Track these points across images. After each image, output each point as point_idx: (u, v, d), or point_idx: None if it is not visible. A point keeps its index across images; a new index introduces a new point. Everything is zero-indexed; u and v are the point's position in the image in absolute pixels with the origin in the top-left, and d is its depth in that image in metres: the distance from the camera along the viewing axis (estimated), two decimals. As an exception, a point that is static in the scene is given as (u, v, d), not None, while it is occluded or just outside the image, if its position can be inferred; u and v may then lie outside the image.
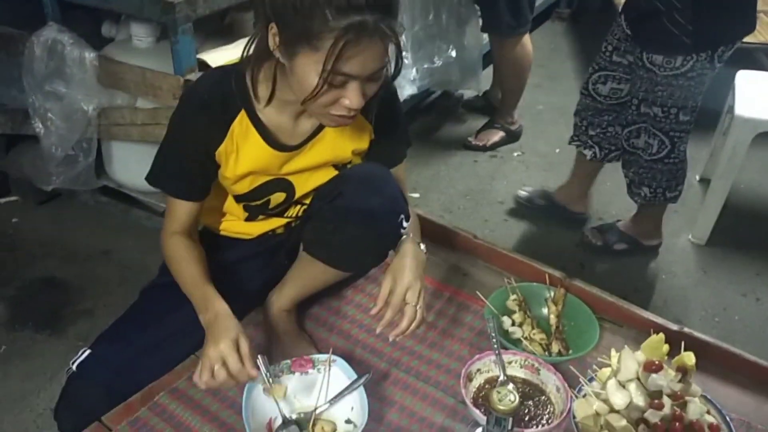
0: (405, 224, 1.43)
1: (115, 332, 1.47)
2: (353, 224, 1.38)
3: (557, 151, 3.44)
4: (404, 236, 1.43)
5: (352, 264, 1.53)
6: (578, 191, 2.89)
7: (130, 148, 2.47)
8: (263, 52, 1.27)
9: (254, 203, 1.49)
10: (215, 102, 1.35)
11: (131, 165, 2.49)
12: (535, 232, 2.87)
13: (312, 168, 1.47)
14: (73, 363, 1.41)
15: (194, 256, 1.43)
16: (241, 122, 1.37)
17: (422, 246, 1.43)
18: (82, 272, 2.45)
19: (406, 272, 1.34)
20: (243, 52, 1.32)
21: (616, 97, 2.52)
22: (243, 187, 1.45)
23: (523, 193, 3.00)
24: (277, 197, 1.49)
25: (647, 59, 2.29)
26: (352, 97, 1.22)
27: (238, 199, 1.49)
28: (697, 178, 3.23)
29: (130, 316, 1.51)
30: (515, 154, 3.43)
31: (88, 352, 1.42)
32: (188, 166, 1.40)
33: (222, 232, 1.59)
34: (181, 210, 1.43)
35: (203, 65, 2.19)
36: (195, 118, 1.36)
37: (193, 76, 2.15)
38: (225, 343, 1.23)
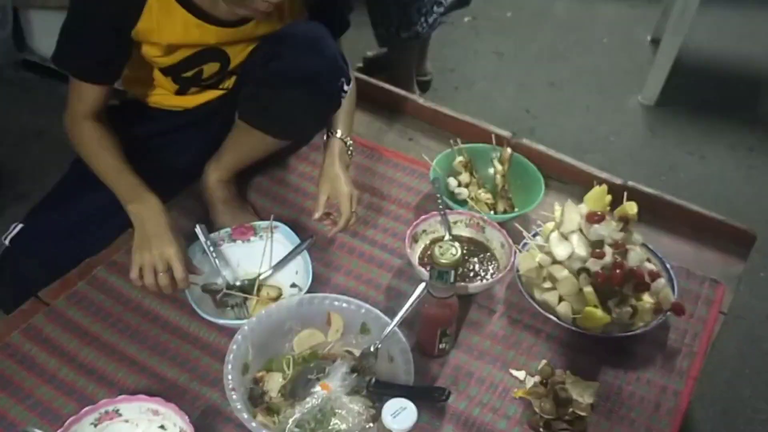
0: (346, 88, 1.37)
1: (47, 204, 1.42)
2: (290, 89, 1.30)
3: (509, 14, 3.33)
4: (332, 131, 1.44)
5: (290, 131, 1.46)
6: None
7: (51, 17, 2.27)
8: None
9: (185, 75, 1.39)
10: None
11: (53, 35, 2.31)
12: (486, 99, 2.82)
13: (249, 40, 1.38)
14: (5, 238, 1.36)
15: (111, 143, 1.34)
16: None
17: (348, 141, 1.46)
18: (15, 154, 2.34)
19: (341, 182, 1.39)
20: None
21: None
22: (170, 60, 1.35)
23: (369, 53, 2.84)
24: (211, 67, 1.39)
25: None
26: None
27: (166, 71, 1.38)
28: (649, 38, 3.18)
29: (62, 187, 1.45)
30: (465, 19, 3.30)
31: (20, 226, 1.37)
32: (96, 45, 1.28)
33: (152, 105, 1.50)
34: (89, 93, 1.33)
35: None
36: None
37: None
38: (158, 254, 1.19)
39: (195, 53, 1.35)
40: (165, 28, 1.27)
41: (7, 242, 1.36)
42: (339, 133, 1.45)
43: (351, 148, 1.47)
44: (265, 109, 1.36)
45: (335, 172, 1.40)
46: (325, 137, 1.47)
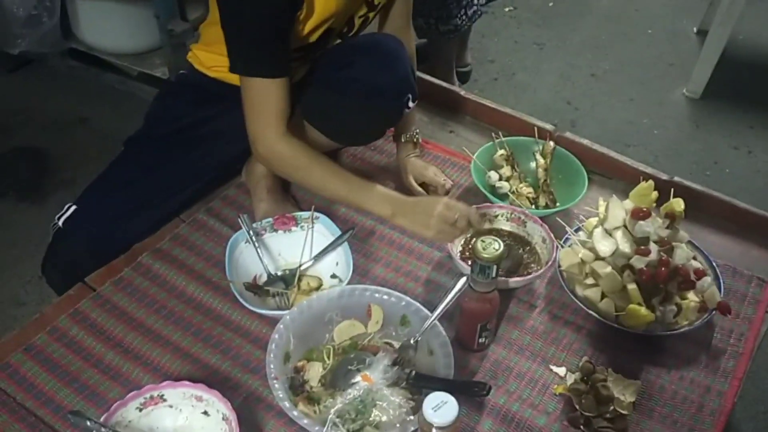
0: (411, 104, 1.37)
1: (101, 187, 1.44)
2: (357, 99, 1.32)
3: (551, 4, 3.29)
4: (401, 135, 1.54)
5: (348, 138, 1.49)
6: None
7: (97, 6, 2.32)
8: None
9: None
10: None
11: (99, 25, 2.36)
12: (526, 91, 2.79)
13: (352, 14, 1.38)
14: (59, 219, 1.38)
15: (325, 157, 1.31)
16: None
17: (414, 133, 1.55)
18: (60, 141, 2.39)
19: (422, 168, 1.54)
20: None
21: None
22: (312, 38, 1.34)
23: None
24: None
25: None
26: None
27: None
28: (695, 29, 3.11)
29: (116, 169, 1.46)
30: (507, 9, 3.27)
31: (74, 207, 1.39)
32: (276, 35, 1.22)
33: (212, 73, 1.46)
34: (279, 93, 1.24)
35: None
36: None
37: None
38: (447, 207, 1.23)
39: (325, 26, 1.33)
40: (315, 5, 1.27)
41: (60, 223, 1.38)
42: (403, 138, 1.54)
43: (417, 135, 1.55)
44: (328, 112, 1.38)
45: (417, 163, 1.54)
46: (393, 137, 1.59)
